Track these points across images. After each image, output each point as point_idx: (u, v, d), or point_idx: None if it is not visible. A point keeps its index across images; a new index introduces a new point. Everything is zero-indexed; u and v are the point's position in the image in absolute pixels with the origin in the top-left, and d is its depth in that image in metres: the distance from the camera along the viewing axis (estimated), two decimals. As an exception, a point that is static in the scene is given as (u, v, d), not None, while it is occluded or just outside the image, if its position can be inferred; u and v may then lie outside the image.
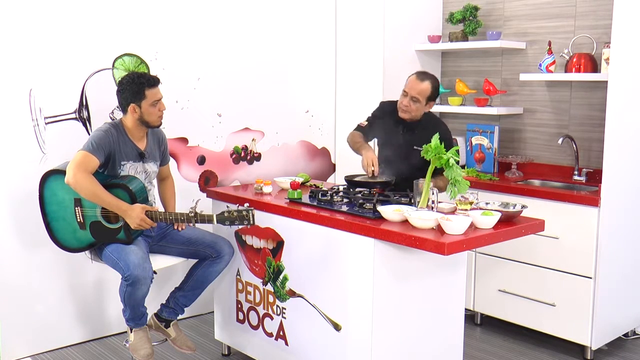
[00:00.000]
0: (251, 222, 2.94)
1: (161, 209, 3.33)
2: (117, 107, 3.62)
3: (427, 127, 3.37)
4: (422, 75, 3.39)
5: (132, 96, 3.03)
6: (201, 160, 4.05)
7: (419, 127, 3.43)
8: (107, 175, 3.03)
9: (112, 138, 3.01)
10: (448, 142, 3.25)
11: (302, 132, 4.52)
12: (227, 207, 3.04)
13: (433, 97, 3.39)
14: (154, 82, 3.08)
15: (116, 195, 2.95)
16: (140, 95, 3.03)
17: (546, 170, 4.15)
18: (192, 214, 2.99)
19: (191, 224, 3.03)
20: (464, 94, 4.48)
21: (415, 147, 3.34)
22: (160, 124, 3.15)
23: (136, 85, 3.03)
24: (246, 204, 3.05)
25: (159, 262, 3.13)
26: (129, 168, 3.08)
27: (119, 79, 3.60)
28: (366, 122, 3.57)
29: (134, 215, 2.94)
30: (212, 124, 4.07)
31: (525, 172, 4.13)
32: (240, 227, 3.18)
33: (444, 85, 4.71)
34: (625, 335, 3.80)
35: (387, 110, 3.57)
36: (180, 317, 3.32)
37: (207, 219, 2.99)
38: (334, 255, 2.81)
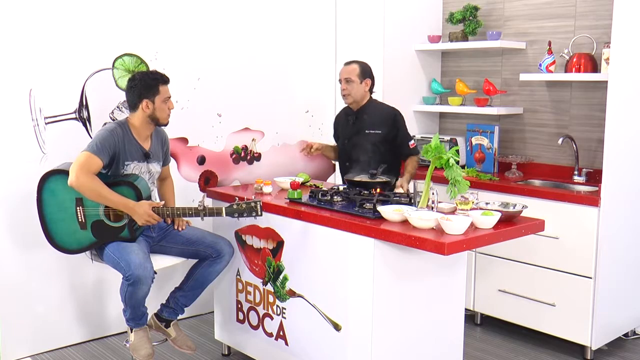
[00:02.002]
0: (259, 213, 2.97)
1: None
2: (117, 107, 3.64)
3: (374, 110, 3.69)
4: (349, 61, 3.71)
5: (145, 91, 3.05)
6: (201, 160, 4.05)
7: (365, 112, 3.68)
8: (111, 175, 3.03)
9: (117, 138, 3.01)
10: (399, 122, 3.67)
11: (302, 132, 4.52)
12: (236, 199, 3.05)
13: (364, 74, 3.65)
14: (166, 79, 3.12)
15: (121, 193, 2.95)
16: (154, 90, 3.05)
17: (546, 170, 4.15)
18: (201, 208, 2.99)
19: (200, 218, 3.03)
20: (464, 94, 4.48)
21: (367, 131, 3.64)
22: (168, 122, 3.16)
23: (151, 81, 3.07)
24: (253, 195, 3.09)
25: (160, 262, 3.13)
26: (132, 168, 3.08)
27: (119, 77, 3.62)
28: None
29: (142, 211, 2.94)
30: (212, 124, 4.07)
31: (525, 172, 4.13)
32: (249, 218, 3.14)
33: (443, 85, 4.71)
34: (625, 335, 3.80)
35: (338, 115, 3.91)
36: (180, 317, 3.32)
37: (215, 212, 3.00)
38: (334, 255, 2.81)
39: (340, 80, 3.69)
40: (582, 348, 3.58)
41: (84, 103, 3.56)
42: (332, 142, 4.02)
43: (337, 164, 4.63)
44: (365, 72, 3.66)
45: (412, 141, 3.69)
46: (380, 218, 2.71)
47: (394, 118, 3.67)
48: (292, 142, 4.49)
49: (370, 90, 3.71)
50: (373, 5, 4.40)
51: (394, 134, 3.65)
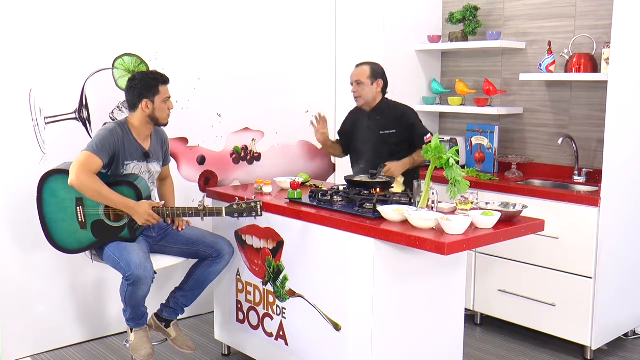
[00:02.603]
0: (259, 213, 2.97)
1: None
2: (117, 107, 3.64)
3: (387, 110, 3.67)
4: (360, 63, 3.71)
5: (146, 91, 3.05)
6: (201, 160, 4.05)
7: (379, 112, 3.66)
8: (111, 175, 3.04)
9: (116, 138, 3.01)
10: (412, 118, 3.66)
11: (302, 132, 4.52)
12: (236, 199, 3.06)
13: (375, 75, 3.63)
14: (166, 79, 3.13)
15: (122, 192, 2.95)
16: (154, 90, 3.06)
17: (546, 170, 4.15)
18: (201, 208, 3.00)
19: (200, 218, 3.03)
20: (464, 94, 4.48)
21: (381, 132, 3.62)
22: (168, 122, 3.16)
23: (151, 80, 3.07)
24: (253, 196, 3.11)
25: (160, 262, 3.13)
26: (132, 168, 3.09)
27: (119, 77, 3.62)
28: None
29: (142, 211, 2.94)
30: (212, 124, 4.07)
31: (525, 172, 4.13)
32: (249, 218, 3.14)
33: (443, 85, 4.71)
34: (625, 335, 3.80)
35: (352, 113, 3.86)
36: (180, 317, 3.32)
37: (215, 212, 3.00)
38: (334, 255, 2.81)
39: (351, 83, 3.67)
40: (582, 348, 3.58)
41: (84, 103, 3.56)
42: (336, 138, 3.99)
43: (336, 163, 4.64)
44: (376, 73, 3.63)
45: (429, 135, 3.61)
46: (380, 218, 2.71)
47: (405, 116, 3.65)
48: (292, 142, 4.49)
49: (383, 91, 3.68)
50: (373, 5, 4.40)
51: (409, 132, 3.63)
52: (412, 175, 3.60)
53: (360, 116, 3.75)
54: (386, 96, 3.73)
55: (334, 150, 3.96)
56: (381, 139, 3.62)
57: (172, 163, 3.72)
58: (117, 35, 3.63)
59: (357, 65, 3.68)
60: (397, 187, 3.29)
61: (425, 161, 3.60)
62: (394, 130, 3.61)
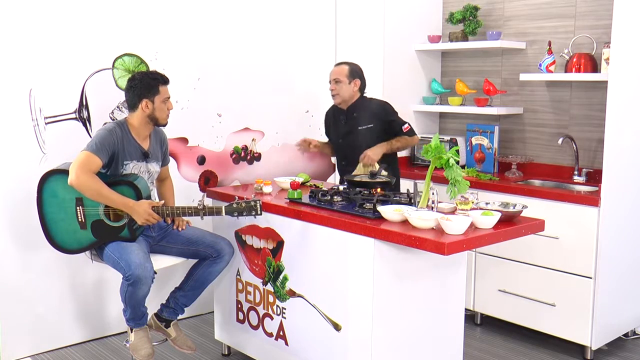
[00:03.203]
0: (259, 212, 2.98)
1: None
2: (117, 107, 3.64)
3: (364, 106, 3.72)
4: (339, 62, 3.81)
5: (146, 91, 3.05)
6: (201, 160, 4.05)
7: (356, 109, 3.72)
8: (110, 174, 3.04)
9: (116, 138, 3.01)
10: (389, 113, 3.72)
11: (302, 132, 4.51)
12: (236, 198, 3.06)
13: (353, 74, 3.70)
14: (166, 79, 3.13)
15: (121, 192, 2.95)
16: (154, 90, 3.06)
17: (546, 170, 4.15)
18: (201, 207, 3.00)
19: (199, 217, 3.03)
20: (464, 94, 4.48)
21: (359, 127, 3.69)
22: (167, 122, 3.16)
23: (151, 80, 3.07)
24: (253, 195, 3.11)
25: (160, 262, 3.13)
26: (132, 168, 3.09)
27: (119, 77, 3.62)
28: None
29: (141, 210, 2.94)
30: (212, 124, 4.07)
31: (525, 172, 4.13)
32: (249, 217, 3.15)
33: (443, 85, 4.71)
34: (625, 335, 3.80)
35: (327, 114, 3.95)
36: (180, 317, 3.32)
37: (215, 211, 3.01)
38: (334, 255, 2.81)
39: (330, 81, 3.73)
40: (582, 348, 3.58)
41: (84, 103, 3.56)
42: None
43: (336, 163, 4.64)
44: (354, 72, 3.70)
45: (406, 125, 3.71)
46: (380, 218, 2.71)
47: (382, 109, 3.71)
48: (292, 142, 4.48)
49: (361, 91, 3.74)
50: (373, 5, 4.40)
51: (387, 125, 3.69)
52: (391, 159, 3.73)
53: (337, 115, 3.81)
54: (365, 95, 3.79)
55: (328, 151, 4.04)
56: (360, 134, 3.67)
57: (172, 163, 3.72)
58: (117, 35, 3.63)
59: (337, 65, 3.76)
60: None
61: (402, 147, 3.75)
62: (372, 125, 3.67)
